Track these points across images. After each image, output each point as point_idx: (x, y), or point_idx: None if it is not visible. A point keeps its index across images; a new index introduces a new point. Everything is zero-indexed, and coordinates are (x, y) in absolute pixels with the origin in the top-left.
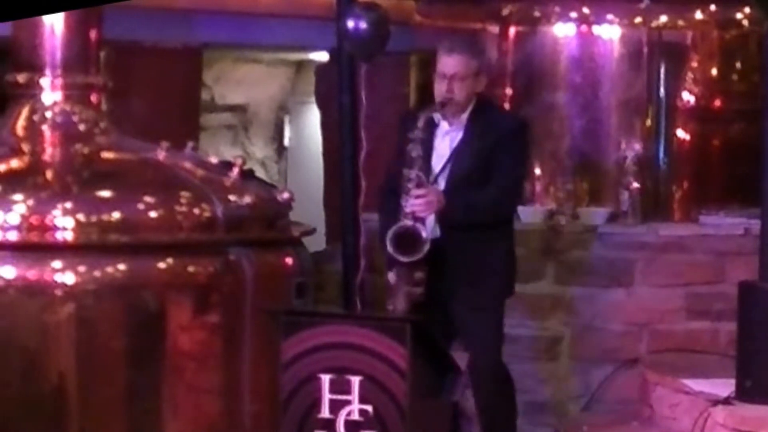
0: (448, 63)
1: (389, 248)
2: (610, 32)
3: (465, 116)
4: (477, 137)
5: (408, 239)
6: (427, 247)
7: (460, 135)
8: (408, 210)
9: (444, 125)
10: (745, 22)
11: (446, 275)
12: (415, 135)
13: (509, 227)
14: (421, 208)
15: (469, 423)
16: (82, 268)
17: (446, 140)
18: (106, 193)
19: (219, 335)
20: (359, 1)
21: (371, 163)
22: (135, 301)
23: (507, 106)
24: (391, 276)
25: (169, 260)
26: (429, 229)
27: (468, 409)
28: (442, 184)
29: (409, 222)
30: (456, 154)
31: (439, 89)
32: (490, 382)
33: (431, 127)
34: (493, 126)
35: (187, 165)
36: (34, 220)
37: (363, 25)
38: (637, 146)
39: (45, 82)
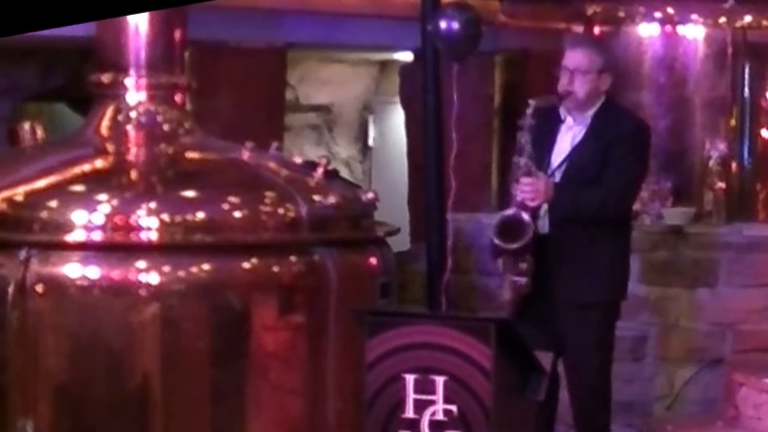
0: (571, 57)
1: (493, 236)
2: (694, 32)
3: (590, 114)
4: (597, 136)
5: (512, 227)
6: (529, 234)
7: (582, 133)
8: (518, 198)
9: (569, 120)
10: None
11: (553, 270)
12: (524, 122)
13: (622, 228)
14: (529, 195)
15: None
16: (166, 268)
17: (569, 135)
18: (190, 193)
19: (303, 335)
20: (451, 2)
21: (458, 162)
22: (219, 301)
23: None
24: (500, 263)
25: (254, 260)
26: (540, 225)
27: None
28: (557, 178)
29: (511, 210)
30: (575, 151)
31: (562, 82)
32: (585, 387)
33: (557, 121)
34: (613, 126)
35: (272, 165)
36: (118, 220)
37: (455, 25)
38: (722, 146)
39: (129, 82)
